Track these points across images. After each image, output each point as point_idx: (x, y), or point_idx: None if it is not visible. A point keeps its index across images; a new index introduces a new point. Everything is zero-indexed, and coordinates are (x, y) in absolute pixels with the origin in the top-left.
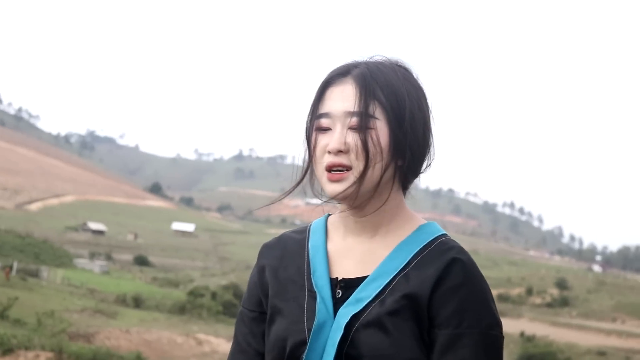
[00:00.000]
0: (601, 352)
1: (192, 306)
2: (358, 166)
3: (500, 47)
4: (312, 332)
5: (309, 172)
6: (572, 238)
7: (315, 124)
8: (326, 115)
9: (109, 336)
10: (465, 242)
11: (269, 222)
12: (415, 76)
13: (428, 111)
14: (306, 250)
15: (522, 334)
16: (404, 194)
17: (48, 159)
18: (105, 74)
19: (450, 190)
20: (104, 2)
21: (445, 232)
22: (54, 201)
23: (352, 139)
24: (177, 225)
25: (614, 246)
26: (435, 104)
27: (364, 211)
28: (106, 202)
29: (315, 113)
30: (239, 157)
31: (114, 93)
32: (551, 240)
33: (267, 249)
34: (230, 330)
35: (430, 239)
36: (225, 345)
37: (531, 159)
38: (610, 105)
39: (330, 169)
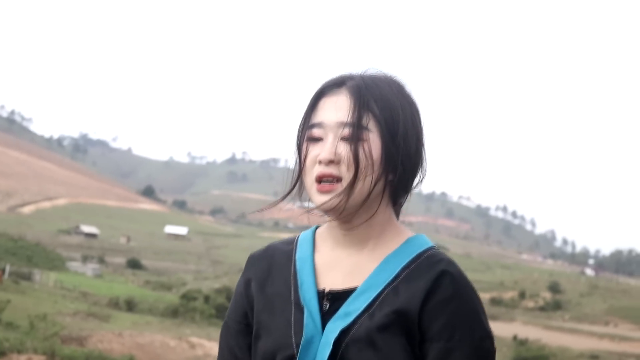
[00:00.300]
0: (594, 356)
1: (184, 309)
2: (348, 177)
3: (493, 52)
4: (300, 347)
5: (299, 182)
6: (565, 242)
7: (307, 134)
8: (318, 125)
9: (102, 339)
10: (458, 246)
11: (262, 225)
12: (409, 92)
13: (421, 127)
14: (293, 262)
15: (514, 338)
16: (395, 210)
17: (41, 162)
18: (98, 77)
19: (443, 194)
20: (98, 5)
21: (434, 245)
22: (46, 204)
23: (344, 149)
24: (170, 229)
25: (606, 250)
26: (429, 107)
27: (351, 223)
28: (99, 205)
29: (307, 123)
30: (232, 160)
31: (107, 96)
32: (544, 244)
33: (253, 261)
34: None
35: (418, 252)
36: (217, 349)
37: (524, 163)
38: (603, 110)
39: (320, 179)
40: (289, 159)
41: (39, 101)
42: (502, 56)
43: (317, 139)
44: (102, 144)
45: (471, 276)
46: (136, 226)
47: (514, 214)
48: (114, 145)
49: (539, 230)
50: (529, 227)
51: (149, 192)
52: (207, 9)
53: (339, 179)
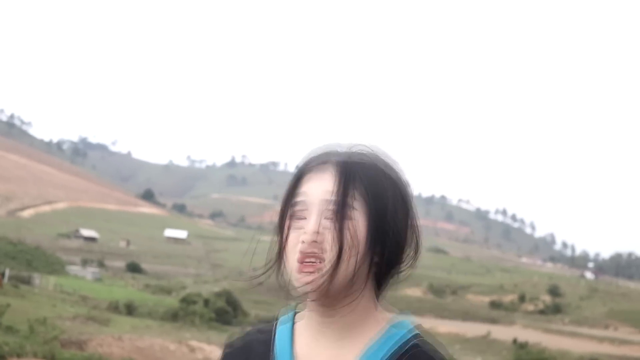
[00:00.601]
0: (594, 359)
1: (184, 313)
2: (331, 258)
3: (493, 56)
4: None
5: (280, 261)
6: (565, 245)
7: (289, 211)
8: (302, 202)
9: (102, 343)
10: (457, 249)
11: (261, 229)
12: (398, 169)
13: (411, 207)
14: (272, 354)
15: (514, 341)
16: (378, 295)
17: (40, 166)
18: (97, 80)
19: (443, 197)
20: (96, 9)
21: (418, 332)
22: (46, 208)
23: (328, 228)
24: (169, 232)
25: (606, 253)
26: (429, 108)
27: (333, 308)
28: (98, 208)
29: (290, 200)
30: (232, 163)
31: (106, 100)
32: (543, 247)
33: (230, 352)
34: (223, 337)
35: (401, 342)
36: (217, 352)
37: (524, 166)
38: (602, 113)
39: (302, 259)
40: (288, 162)
41: (39, 105)
42: (501, 60)
43: (300, 217)
44: (101, 147)
45: (471, 279)
46: (136, 230)
47: (513, 217)
48: (113, 148)
49: (539, 233)
50: (528, 230)
51: (148, 196)
52: (206, 12)
53: (322, 259)
